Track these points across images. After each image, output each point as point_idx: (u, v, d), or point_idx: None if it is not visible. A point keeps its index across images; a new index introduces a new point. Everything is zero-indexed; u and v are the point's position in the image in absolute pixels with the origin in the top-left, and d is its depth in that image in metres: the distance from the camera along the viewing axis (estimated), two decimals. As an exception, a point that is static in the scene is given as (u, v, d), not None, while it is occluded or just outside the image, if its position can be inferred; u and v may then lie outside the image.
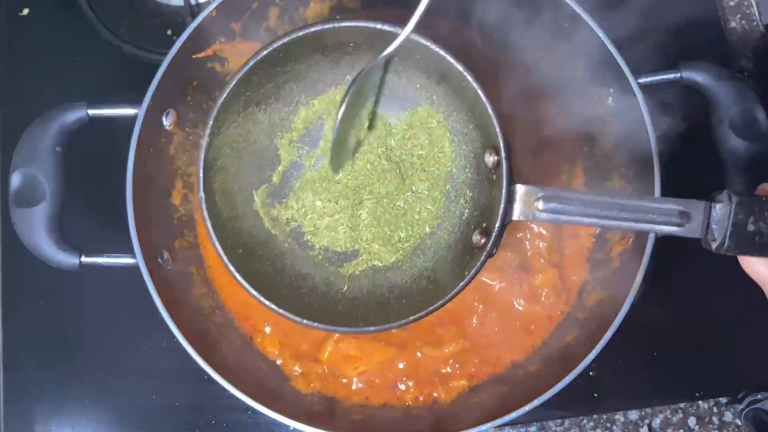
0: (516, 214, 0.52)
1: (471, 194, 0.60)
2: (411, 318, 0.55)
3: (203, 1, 0.89)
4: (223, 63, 0.80)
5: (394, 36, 0.54)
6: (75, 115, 0.69)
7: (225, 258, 0.56)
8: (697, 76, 0.71)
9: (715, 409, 0.81)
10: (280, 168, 0.63)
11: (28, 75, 0.91)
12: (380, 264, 0.62)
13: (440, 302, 0.54)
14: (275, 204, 0.63)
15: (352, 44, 0.58)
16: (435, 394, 0.75)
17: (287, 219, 0.63)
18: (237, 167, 0.60)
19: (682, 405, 0.81)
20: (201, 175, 0.56)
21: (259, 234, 0.61)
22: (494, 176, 0.55)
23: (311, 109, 0.64)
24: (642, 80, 0.70)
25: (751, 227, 0.49)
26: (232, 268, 0.56)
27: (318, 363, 0.76)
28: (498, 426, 0.65)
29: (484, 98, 0.54)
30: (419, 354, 0.76)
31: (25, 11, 0.92)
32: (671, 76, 0.71)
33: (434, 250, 0.61)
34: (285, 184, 0.64)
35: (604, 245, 0.77)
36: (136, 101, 0.69)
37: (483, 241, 0.55)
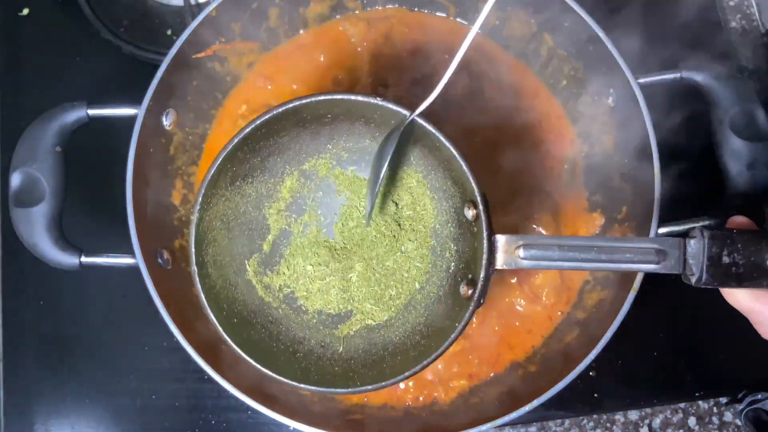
0: (499, 263, 0.53)
1: (455, 247, 0.62)
2: (406, 374, 0.56)
3: (203, 1, 0.89)
4: (223, 63, 0.80)
5: (368, 105, 0.57)
6: (75, 114, 0.69)
7: (220, 329, 0.57)
8: (697, 76, 0.71)
9: (715, 409, 0.81)
10: (270, 237, 0.65)
11: (28, 75, 0.91)
12: (374, 323, 0.64)
13: (433, 356, 0.55)
14: (267, 272, 0.65)
15: (329, 115, 0.61)
16: (435, 394, 0.75)
17: (280, 285, 0.65)
18: (228, 239, 0.62)
19: (682, 405, 0.81)
20: (193, 250, 0.57)
21: (253, 302, 0.63)
22: (475, 228, 0.57)
23: (295, 178, 0.66)
24: (642, 80, 0.70)
25: (725, 259, 0.51)
26: (228, 339, 0.57)
27: (318, 363, 0.76)
28: (498, 426, 0.65)
29: (458, 157, 0.55)
30: (419, 354, 0.76)
31: (25, 11, 0.93)
32: (671, 76, 0.71)
33: (425, 305, 0.63)
34: (276, 251, 0.66)
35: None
36: (136, 101, 0.69)
37: (470, 292, 0.56)
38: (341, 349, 0.62)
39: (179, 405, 0.79)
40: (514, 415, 0.64)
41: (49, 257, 0.66)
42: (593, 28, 0.71)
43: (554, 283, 0.77)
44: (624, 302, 0.65)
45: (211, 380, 0.65)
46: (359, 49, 0.84)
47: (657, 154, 0.68)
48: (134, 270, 0.66)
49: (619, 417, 0.81)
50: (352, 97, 0.57)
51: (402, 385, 0.75)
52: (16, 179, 0.67)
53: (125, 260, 0.67)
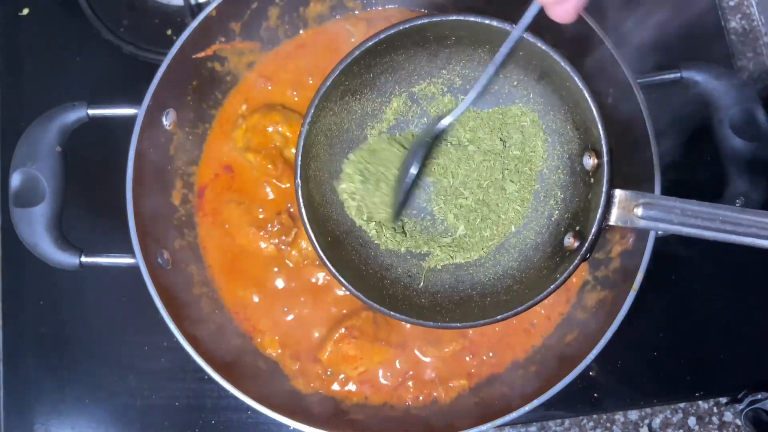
0: (613, 219, 0.51)
1: (562, 196, 0.59)
2: (497, 317, 0.53)
3: (203, 1, 0.89)
4: (223, 63, 0.80)
5: (500, 31, 0.53)
6: (75, 114, 0.69)
7: (317, 246, 0.56)
8: (697, 76, 0.71)
9: (715, 409, 0.81)
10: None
11: (28, 75, 0.91)
12: (462, 260, 0.62)
13: (530, 303, 0.53)
14: None
15: (453, 38, 0.57)
16: (435, 394, 0.75)
17: None
18: (329, 155, 0.60)
19: (682, 405, 0.81)
20: (299, 162, 0.56)
21: (345, 222, 0.61)
22: (592, 179, 0.54)
23: (402, 100, 0.63)
24: (642, 80, 0.70)
25: None
26: (323, 257, 0.56)
27: (318, 363, 0.76)
28: (498, 426, 0.65)
29: (590, 100, 0.52)
30: (419, 354, 0.76)
31: (25, 11, 0.93)
32: (671, 76, 0.71)
33: (519, 250, 0.60)
34: None
35: (604, 245, 0.77)
36: (136, 101, 0.69)
37: (577, 244, 0.53)
38: (425, 283, 0.60)
39: (179, 405, 0.79)
40: (514, 415, 0.64)
41: (49, 257, 0.67)
42: (593, 28, 0.71)
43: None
44: (624, 302, 0.65)
45: (211, 380, 0.65)
46: (359, 49, 0.84)
47: (657, 153, 0.68)
48: (134, 270, 0.66)
49: (619, 417, 0.81)
50: (486, 21, 0.53)
51: (402, 386, 0.75)
52: (16, 179, 0.67)
53: (125, 260, 0.67)
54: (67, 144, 0.69)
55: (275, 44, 0.85)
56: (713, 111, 0.70)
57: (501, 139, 0.62)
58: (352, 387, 0.76)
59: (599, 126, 0.52)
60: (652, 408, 0.81)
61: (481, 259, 0.61)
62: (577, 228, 0.55)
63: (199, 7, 0.89)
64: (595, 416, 0.80)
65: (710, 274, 0.82)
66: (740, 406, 0.79)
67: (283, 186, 0.80)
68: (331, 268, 0.56)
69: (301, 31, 0.85)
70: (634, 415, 0.81)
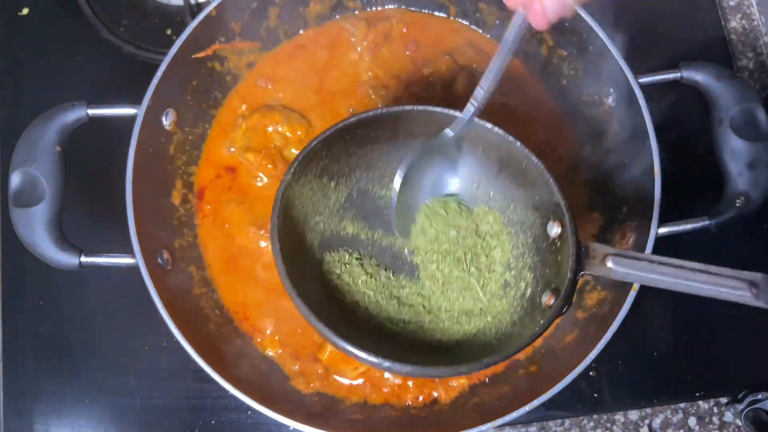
0: (588, 269, 0.53)
1: (532, 275, 0.62)
2: (460, 369, 0.54)
3: (203, 0, 0.89)
4: (223, 62, 0.80)
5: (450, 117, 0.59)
6: (74, 114, 0.69)
7: (288, 283, 0.56)
8: (697, 76, 0.71)
9: (715, 409, 0.81)
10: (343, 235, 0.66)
11: (28, 75, 0.91)
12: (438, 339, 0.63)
13: (498, 357, 0.54)
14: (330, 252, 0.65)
15: (416, 130, 0.62)
16: (435, 394, 0.75)
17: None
18: (301, 225, 0.62)
19: (682, 405, 0.81)
20: (278, 206, 0.58)
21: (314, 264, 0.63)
22: (558, 242, 0.57)
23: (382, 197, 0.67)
24: (642, 80, 0.70)
25: None
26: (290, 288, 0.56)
27: (318, 363, 0.76)
28: (498, 426, 0.65)
29: (546, 172, 0.57)
30: (419, 354, 0.76)
31: (25, 11, 0.93)
32: (671, 76, 0.71)
33: (496, 330, 0.62)
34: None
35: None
36: (136, 101, 0.69)
37: (553, 300, 0.56)
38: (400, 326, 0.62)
39: (179, 405, 0.79)
40: (514, 415, 0.64)
41: (49, 257, 0.66)
42: (593, 28, 0.71)
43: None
44: (624, 302, 0.65)
45: (211, 380, 0.65)
46: (359, 49, 0.84)
47: (657, 153, 0.68)
48: (134, 270, 0.66)
49: (619, 417, 0.81)
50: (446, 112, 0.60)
51: (402, 386, 0.75)
52: (16, 179, 0.67)
53: (125, 260, 0.67)
54: (67, 144, 0.69)
55: (275, 44, 0.85)
56: (713, 111, 0.70)
57: (464, 253, 0.65)
58: (352, 387, 0.76)
59: (560, 199, 0.56)
60: (653, 408, 0.81)
61: (456, 341, 0.63)
62: (553, 286, 0.57)
63: (199, 7, 0.89)
64: (595, 416, 0.80)
65: (710, 274, 0.82)
66: (740, 406, 0.79)
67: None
68: (297, 299, 0.56)
69: (301, 31, 0.85)
70: (634, 415, 0.81)
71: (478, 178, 0.66)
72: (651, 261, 0.53)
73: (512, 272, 0.63)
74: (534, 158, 0.58)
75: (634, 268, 0.53)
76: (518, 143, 0.59)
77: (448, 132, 0.60)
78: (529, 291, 0.61)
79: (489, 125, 0.59)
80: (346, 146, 0.62)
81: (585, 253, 0.54)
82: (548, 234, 0.59)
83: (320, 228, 0.64)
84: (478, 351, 0.59)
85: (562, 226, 0.56)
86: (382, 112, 0.60)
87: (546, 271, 0.60)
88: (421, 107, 0.60)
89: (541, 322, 0.54)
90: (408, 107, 0.60)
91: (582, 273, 0.54)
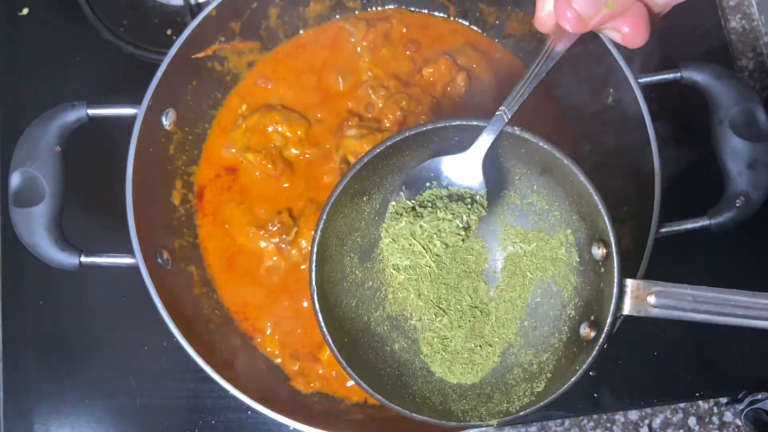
0: (627, 309, 0.51)
1: (574, 283, 0.59)
2: (521, 413, 0.54)
3: (203, 1, 0.89)
4: (223, 62, 0.80)
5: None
6: (75, 114, 0.69)
7: (336, 351, 0.55)
8: (697, 76, 0.71)
9: (715, 409, 0.81)
10: (377, 252, 0.62)
11: (28, 75, 0.91)
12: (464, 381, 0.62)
13: (553, 396, 0.53)
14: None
15: (456, 138, 0.58)
16: (435, 394, 0.75)
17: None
18: (340, 254, 0.60)
19: (682, 405, 0.81)
20: (314, 267, 0.56)
21: (360, 320, 0.61)
22: (602, 268, 0.54)
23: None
24: (642, 80, 0.70)
25: None
26: (343, 362, 0.55)
27: (318, 363, 0.75)
28: (498, 426, 0.65)
29: (594, 194, 0.53)
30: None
31: (25, 11, 0.93)
32: (671, 76, 0.71)
33: (534, 344, 0.60)
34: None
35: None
36: (136, 101, 0.69)
37: (593, 334, 0.54)
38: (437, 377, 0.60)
39: (179, 405, 0.79)
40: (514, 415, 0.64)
41: (49, 257, 0.66)
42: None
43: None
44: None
45: (211, 380, 0.65)
46: (359, 49, 0.84)
47: (657, 153, 0.68)
48: (134, 270, 0.66)
49: (619, 417, 0.81)
50: (483, 124, 0.55)
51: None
52: (16, 179, 0.67)
53: (125, 260, 0.67)
54: (67, 144, 0.69)
55: (275, 44, 0.85)
56: (713, 111, 0.70)
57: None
58: (352, 387, 0.76)
59: (606, 218, 0.52)
60: (653, 408, 0.81)
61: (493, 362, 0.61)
62: (592, 317, 0.55)
63: (199, 7, 0.89)
64: (595, 416, 0.80)
65: (711, 273, 0.82)
66: (740, 406, 0.79)
67: (283, 185, 0.80)
68: (351, 372, 0.55)
69: (301, 31, 0.85)
70: (634, 415, 0.81)
71: (519, 171, 0.61)
72: (695, 295, 0.49)
73: (558, 271, 0.61)
74: (582, 177, 0.54)
75: (675, 307, 0.50)
76: (565, 160, 0.54)
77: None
78: (571, 304, 0.59)
79: (533, 137, 0.55)
80: (376, 164, 0.59)
81: (627, 291, 0.51)
82: (592, 253, 0.56)
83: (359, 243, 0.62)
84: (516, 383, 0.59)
85: (608, 250, 0.53)
86: (408, 135, 0.56)
87: (588, 289, 0.57)
88: (456, 122, 0.56)
89: (584, 358, 0.52)
90: (441, 123, 0.56)
91: (621, 315, 0.51)
